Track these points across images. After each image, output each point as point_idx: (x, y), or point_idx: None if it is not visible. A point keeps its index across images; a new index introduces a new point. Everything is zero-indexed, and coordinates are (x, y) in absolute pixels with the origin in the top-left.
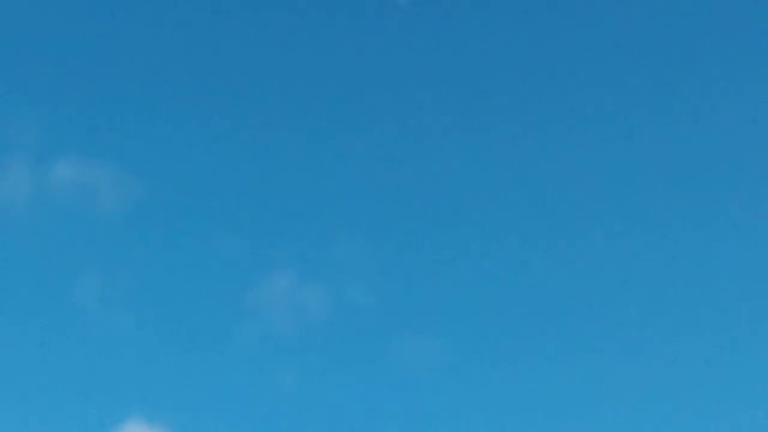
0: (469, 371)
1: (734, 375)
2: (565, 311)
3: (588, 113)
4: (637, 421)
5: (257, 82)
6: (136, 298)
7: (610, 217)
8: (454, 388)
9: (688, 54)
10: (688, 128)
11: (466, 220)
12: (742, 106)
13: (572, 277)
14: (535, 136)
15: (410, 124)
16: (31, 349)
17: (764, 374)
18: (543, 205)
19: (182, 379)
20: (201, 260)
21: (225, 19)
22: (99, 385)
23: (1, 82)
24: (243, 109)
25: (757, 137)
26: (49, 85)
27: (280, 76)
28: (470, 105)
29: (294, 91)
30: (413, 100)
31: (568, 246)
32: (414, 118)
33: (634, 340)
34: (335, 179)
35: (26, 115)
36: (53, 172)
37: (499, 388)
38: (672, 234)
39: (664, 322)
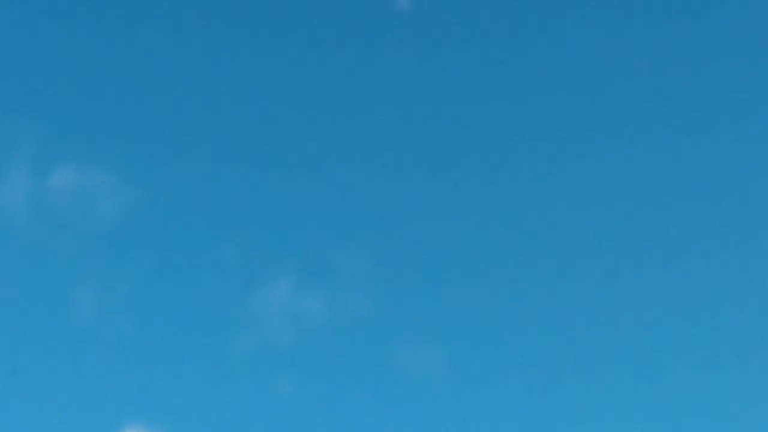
0: (467, 379)
1: (735, 377)
2: (564, 318)
3: (588, 118)
4: (636, 428)
5: (256, 89)
6: (134, 305)
7: (609, 224)
8: (453, 395)
9: (688, 55)
10: (688, 129)
11: (465, 227)
12: (742, 108)
13: (571, 284)
14: (535, 143)
15: (409, 131)
16: (29, 357)
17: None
18: (541, 212)
19: (181, 387)
20: (199, 267)
21: (223, 26)
22: (98, 392)
23: None
24: (241, 117)
25: (757, 139)
26: (46, 92)
27: (279, 84)
28: (469, 112)
29: (292, 98)
30: (413, 107)
31: (567, 253)
32: (413, 126)
33: (635, 347)
34: (333, 186)
35: (24, 123)
36: (51, 180)
37: (498, 396)
38: (669, 239)
39: (666, 331)
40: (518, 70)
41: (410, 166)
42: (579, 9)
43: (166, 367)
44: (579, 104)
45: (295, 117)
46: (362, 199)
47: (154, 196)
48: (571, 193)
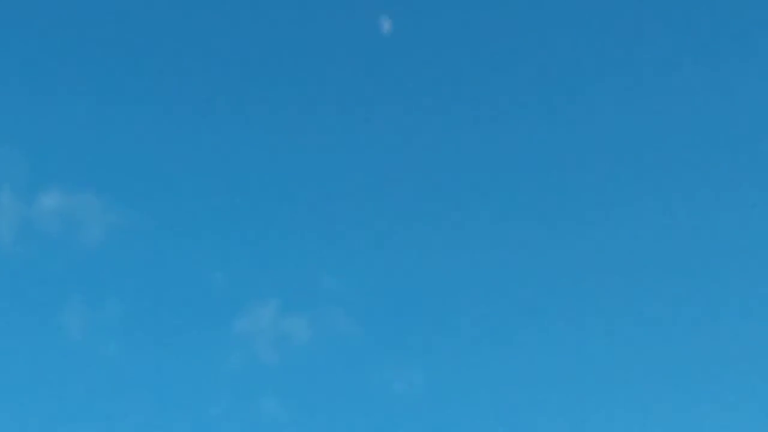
0: (450, 401)
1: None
2: (548, 342)
3: (573, 137)
4: None
5: (241, 113)
6: (121, 328)
7: (598, 238)
8: (436, 417)
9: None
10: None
11: (449, 251)
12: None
13: (555, 308)
14: (521, 167)
15: (392, 155)
16: (17, 380)
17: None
18: (525, 235)
19: (168, 407)
20: (186, 290)
21: (210, 48)
22: (85, 414)
23: None
24: (227, 141)
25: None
26: (32, 116)
27: (264, 108)
28: (453, 136)
29: (276, 122)
30: (396, 131)
31: (551, 277)
32: (395, 149)
33: (618, 365)
34: (318, 210)
35: (10, 147)
36: (38, 203)
37: (480, 418)
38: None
39: (657, 339)
40: (498, 91)
41: (392, 193)
42: (559, 30)
43: (153, 388)
44: (560, 123)
45: (278, 142)
46: (346, 223)
47: (141, 219)
48: (558, 218)
